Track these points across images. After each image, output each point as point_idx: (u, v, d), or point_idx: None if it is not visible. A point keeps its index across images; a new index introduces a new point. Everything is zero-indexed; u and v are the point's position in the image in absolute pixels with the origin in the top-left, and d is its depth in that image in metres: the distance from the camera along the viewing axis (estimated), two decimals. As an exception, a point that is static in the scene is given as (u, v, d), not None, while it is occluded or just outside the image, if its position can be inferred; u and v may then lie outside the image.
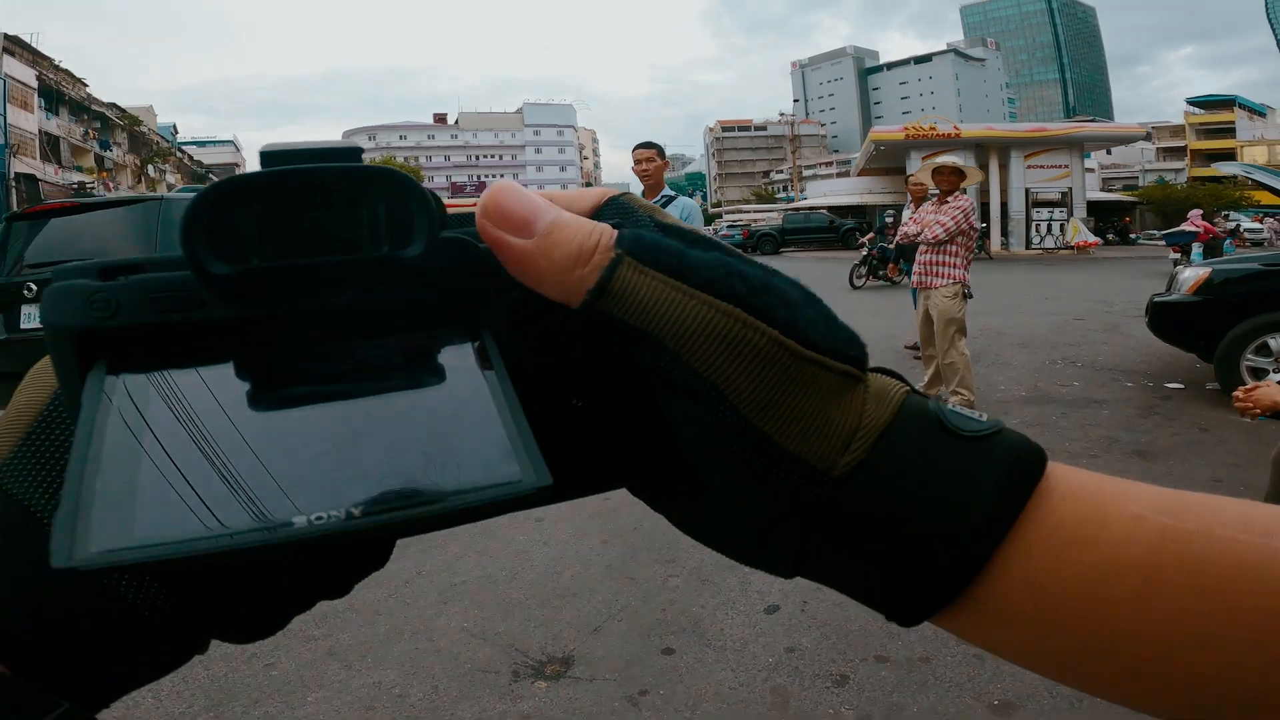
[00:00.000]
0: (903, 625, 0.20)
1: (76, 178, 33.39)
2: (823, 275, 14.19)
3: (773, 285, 0.20)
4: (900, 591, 0.20)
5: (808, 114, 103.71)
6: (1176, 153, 62.72)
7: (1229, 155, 57.18)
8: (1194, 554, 0.18)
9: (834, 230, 28.45)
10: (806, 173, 61.28)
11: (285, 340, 0.19)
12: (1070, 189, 22.38)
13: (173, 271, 0.18)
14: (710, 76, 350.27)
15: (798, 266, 18.12)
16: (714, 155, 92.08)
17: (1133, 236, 30.18)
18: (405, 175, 0.18)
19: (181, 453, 0.15)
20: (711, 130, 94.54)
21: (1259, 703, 0.17)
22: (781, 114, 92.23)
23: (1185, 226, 13.28)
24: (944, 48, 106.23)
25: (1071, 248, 21.35)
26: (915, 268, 4.62)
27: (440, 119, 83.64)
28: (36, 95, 31.09)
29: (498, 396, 0.17)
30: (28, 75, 30.49)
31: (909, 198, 5.73)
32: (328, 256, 0.18)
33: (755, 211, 40.06)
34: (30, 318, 4.11)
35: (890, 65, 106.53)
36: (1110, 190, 41.20)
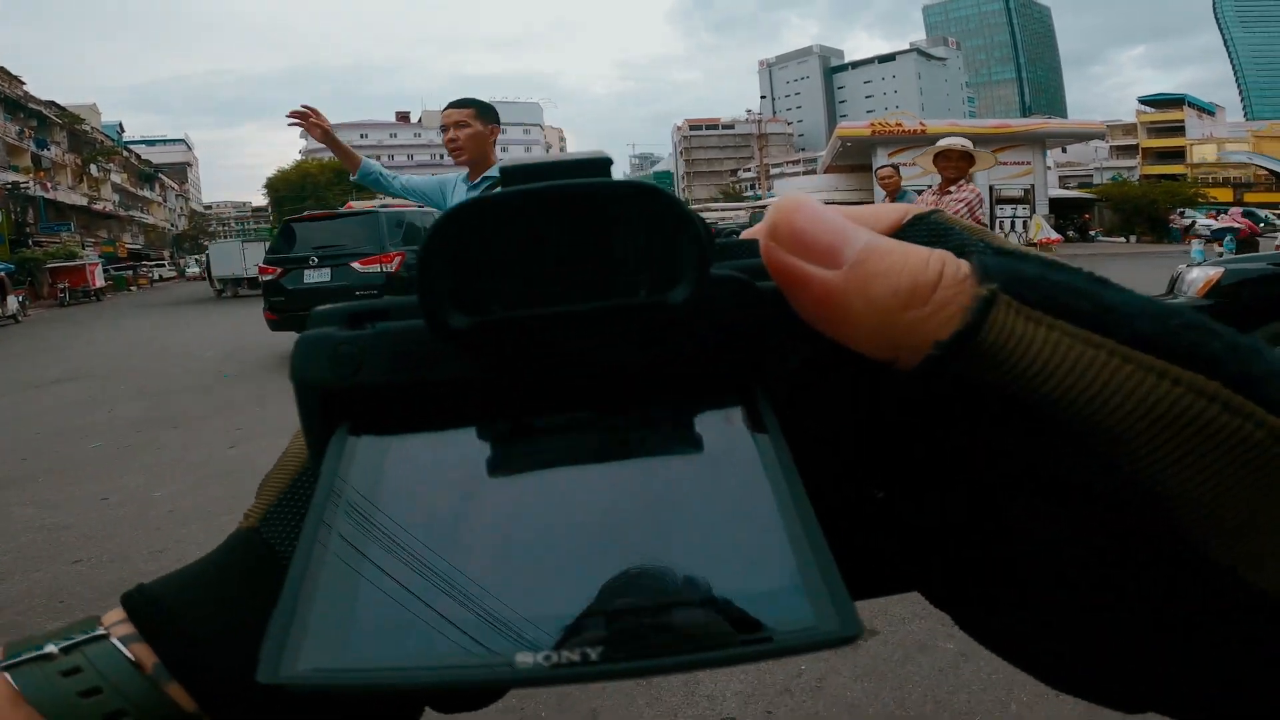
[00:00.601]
0: None
1: (11, 177, 31.68)
2: None
3: (1263, 349, 0.13)
4: None
5: (775, 112, 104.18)
6: (1129, 150, 64.35)
7: (1179, 153, 58.86)
8: None
9: (801, 229, 28.31)
10: (774, 171, 61.39)
11: (525, 406, 0.16)
12: (1033, 185, 22.48)
13: (416, 320, 0.16)
14: (679, 75, 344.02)
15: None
16: (682, 154, 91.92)
17: (1092, 234, 30.65)
18: (668, 194, 0.15)
19: (412, 557, 0.13)
20: (679, 129, 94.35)
21: None
22: (749, 111, 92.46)
23: (1228, 223, 13.41)
24: (907, 47, 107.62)
25: (1034, 245, 21.43)
26: None
27: (403, 117, 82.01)
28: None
29: (782, 495, 0.13)
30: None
31: (882, 193, 5.30)
32: (578, 304, 0.15)
33: (722, 210, 39.84)
34: (309, 277, 7.18)
35: (855, 64, 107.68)
36: (1066, 188, 41.92)
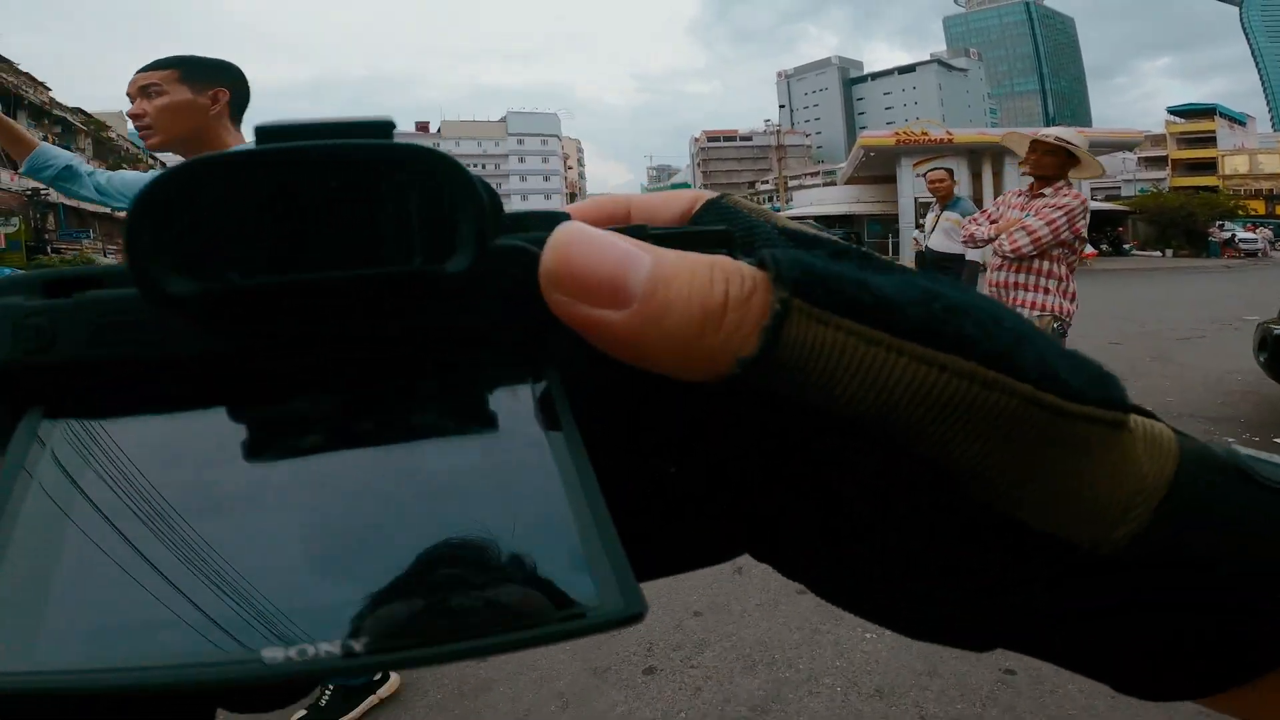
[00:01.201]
0: (1147, 699, 0.17)
1: (32, 184, 31.88)
2: None
3: (1003, 318, 0.14)
4: (1170, 671, 0.16)
5: (793, 124, 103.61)
6: (1158, 162, 62.93)
7: (1210, 165, 57.37)
8: None
9: (823, 241, 27.62)
10: (792, 183, 60.72)
11: (274, 387, 0.14)
12: (1068, 197, 21.70)
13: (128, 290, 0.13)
14: (697, 87, 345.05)
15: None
16: (699, 165, 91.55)
17: (1126, 247, 29.65)
18: (448, 157, 0.14)
19: (121, 546, 0.11)
20: (697, 140, 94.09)
21: None
22: (767, 122, 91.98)
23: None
24: (928, 58, 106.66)
25: (1071, 258, 20.57)
26: (990, 290, 3.14)
27: (422, 127, 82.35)
28: (-10, 99, 29.58)
29: (569, 474, 0.13)
30: (-20, 78, 28.99)
31: (909, 204, 4.68)
32: (334, 271, 0.13)
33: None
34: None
35: (875, 75, 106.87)
36: (1094, 200, 40.88)
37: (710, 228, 0.17)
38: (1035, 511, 0.14)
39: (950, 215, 4.40)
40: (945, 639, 0.18)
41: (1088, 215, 2.94)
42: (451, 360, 0.15)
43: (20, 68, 33.55)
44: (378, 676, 1.89)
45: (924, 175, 4.74)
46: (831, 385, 0.13)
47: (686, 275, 0.13)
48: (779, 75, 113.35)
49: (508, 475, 0.13)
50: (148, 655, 0.10)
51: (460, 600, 0.11)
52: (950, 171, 4.62)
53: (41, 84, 36.99)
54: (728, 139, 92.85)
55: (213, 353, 0.13)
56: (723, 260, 0.14)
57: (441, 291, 0.14)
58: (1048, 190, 2.93)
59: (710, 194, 0.19)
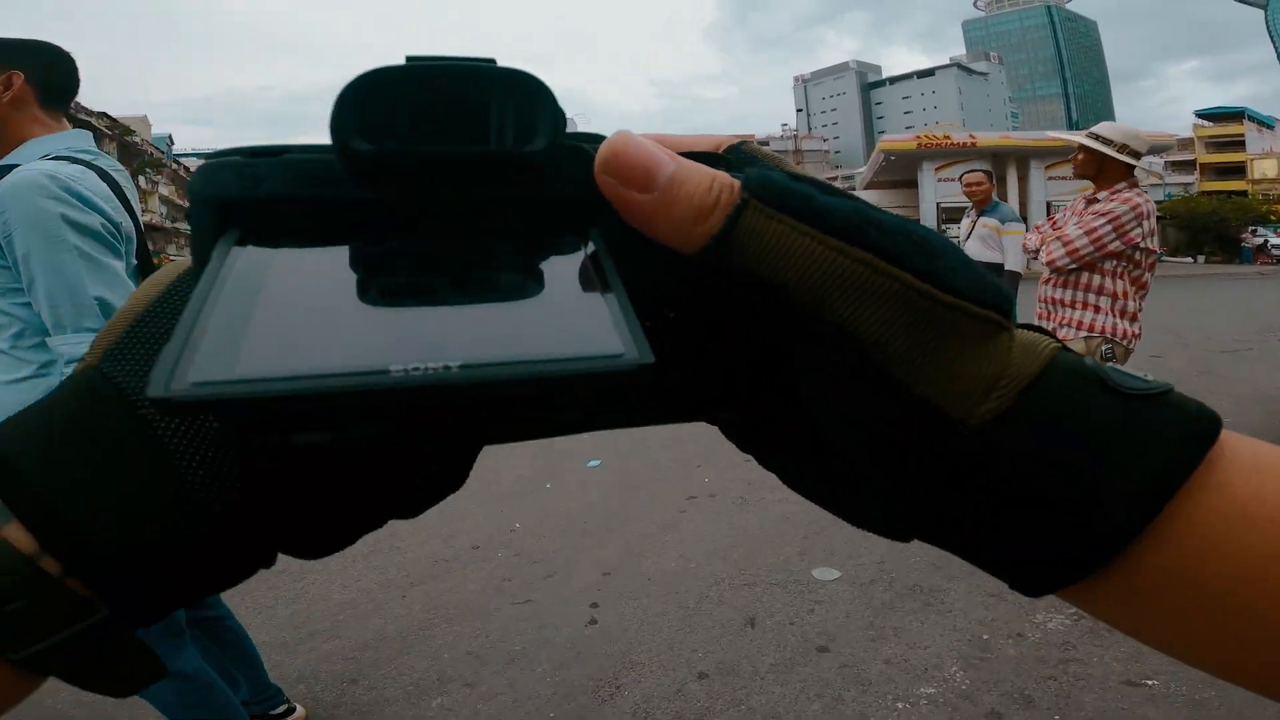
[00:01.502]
0: (1029, 595, 0.19)
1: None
2: None
3: (909, 230, 0.19)
4: (1035, 559, 0.18)
5: (810, 129, 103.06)
6: (1185, 166, 61.65)
7: (1239, 169, 56.06)
8: None
9: (842, 246, 27.09)
10: (810, 186, 59.98)
11: (410, 221, 0.19)
12: (1096, 202, 21.09)
13: (316, 155, 0.19)
14: (714, 92, 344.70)
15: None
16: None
17: (1157, 253, 28.76)
18: (536, 78, 0.19)
19: (293, 309, 0.16)
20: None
21: None
22: (784, 126, 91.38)
23: None
24: (947, 61, 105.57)
25: (1098, 265, 19.95)
26: (1039, 308, 2.88)
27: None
28: (15, 104, 29.91)
29: (605, 283, 0.18)
30: None
31: (932, 212, 4.31)
32: (457, 146, 0.19)
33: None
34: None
35: (893, 79, 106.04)
36: (1122, 204, 39.75)
37: (720, 156, 0.22)
38: (917, 375, 0.18)
39: (988, 221, 4.07)
40: (874, 525, 0.21)
41: (1147, 222, 2.59)
42: (528, 219, 0.20)
43: None
44: (283, 709, 1.89)
45: (959, 178, 4.37)
46: (772, 260, 0.18)
47: (696, 178, 0.18)
48: (796, 80, 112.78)
49: (563, 283, 0.18)
50: (310, 369, 0.14)
51: (529, 347, 0.16)
52: (989, 174, 4.26)
53: (66, 89, 37.46)
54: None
55: (370, 199, 0.19)
56: (721, 174, 0.19)
57: (523, 168, 0.19)
58: (1102, 194, 2.63)
59: (733, 139, 0.23)
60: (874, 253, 0.18)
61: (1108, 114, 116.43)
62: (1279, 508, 0.17)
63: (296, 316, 0.16)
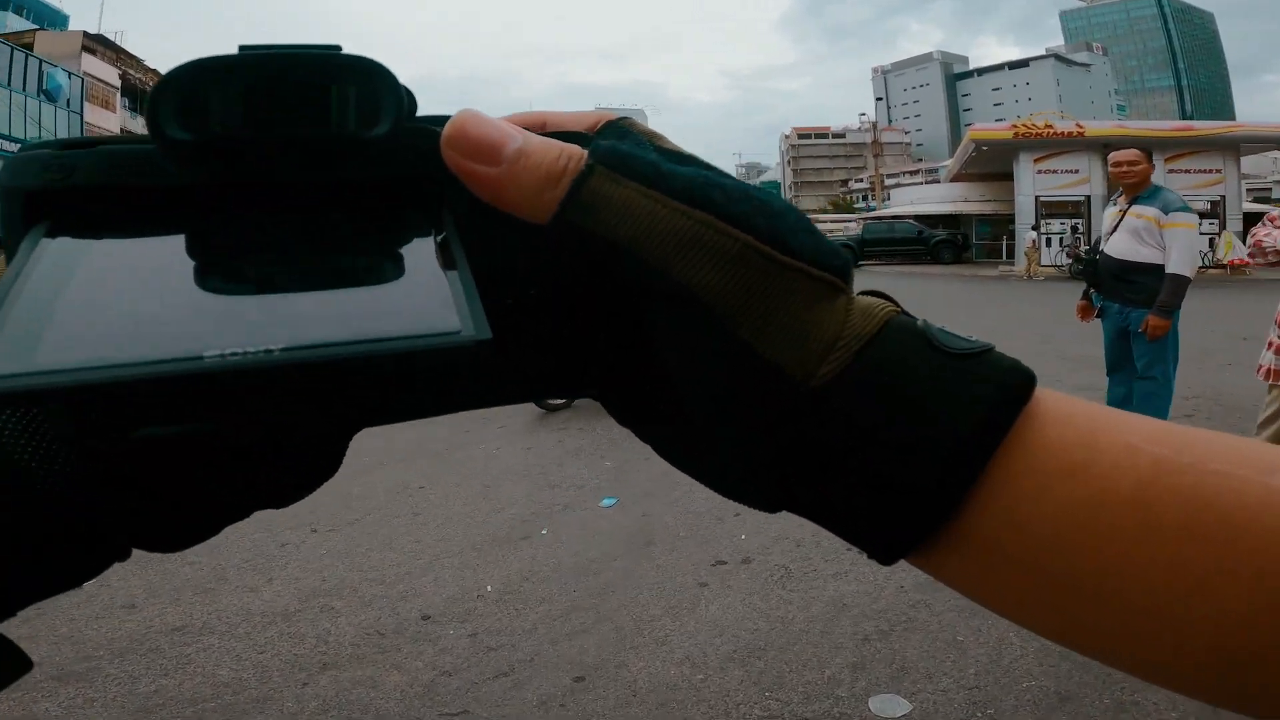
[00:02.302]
0: (883, 563, 0.20)
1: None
2: (924, 293, 11.76)
3: (752, 194, 0.19)
4: (880, 522, 0.19)
5: (890, 121, 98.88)
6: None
7: (1386, 168, 49.96)
8: (1188, 488, 0.17)
9: (922, 241, 25.39)
10: (889, 181, 57.47)
11: (239, 208, 0.19)
12: (1223, 198, 18.80)
13: (137, 145, 0.18)
14: (787, 84, 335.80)
15: (883, 282, 15.56)
16: (789, 163, 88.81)
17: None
18: (377, 62, 0.19)
19: (104, 298, 0.15)
20: (787, 137, 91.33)
21: (1249, 655, 0.16)
22: (862, 116, 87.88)
23: None
24: (1043, 53, 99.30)
25: (1224, 266, 17.75)
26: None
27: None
28: (119, 94, 31.72)
29: (449, 261, 0.18)
30: (110, 74, 31.08)
31: (1119, 187, 3.27)
32: (293, 130, 0.18)
33: (832, 221, 37.14)
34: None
35: (982, 70, 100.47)
36: (1244, 201, 36.01)
37: (575, 132, 0.22)
38: (761, 337, 0.18)
39: (1144, 210, 3.08)
40: (742, 496, 0.21)
41: None
42: (372, 200, 0.20)
43: (146, 64, 35.88)
44: None
45: (1108, 157, 3.36)
46: (618, 223, 0.18)
47: (542, 150, 0.19)
48: (874, 71, 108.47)
49: (403, 263, 0.18)
50: (119, 360, 0.13)
51: (359, 326, 0.15)
52: (1148, 154, 3.26)
53: (166, 81, 39.37)
54: (819, 136, 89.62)
55: (194, 186, 0.18)
56: (569, 146, 0.19)
57: (367, 151, 0.19)
58: None
59: (611, 115, 0.24)
60: (715, 214, 0.18)
61: (1226, 108, 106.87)
62: (1088, 456, 0.17)
63: (107, 306, 0.15)
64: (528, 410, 4.99)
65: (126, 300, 0.16)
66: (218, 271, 0.17)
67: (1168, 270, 3.00)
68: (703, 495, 3.37)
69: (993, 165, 23.41)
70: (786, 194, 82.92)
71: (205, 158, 0.18)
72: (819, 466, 0.19)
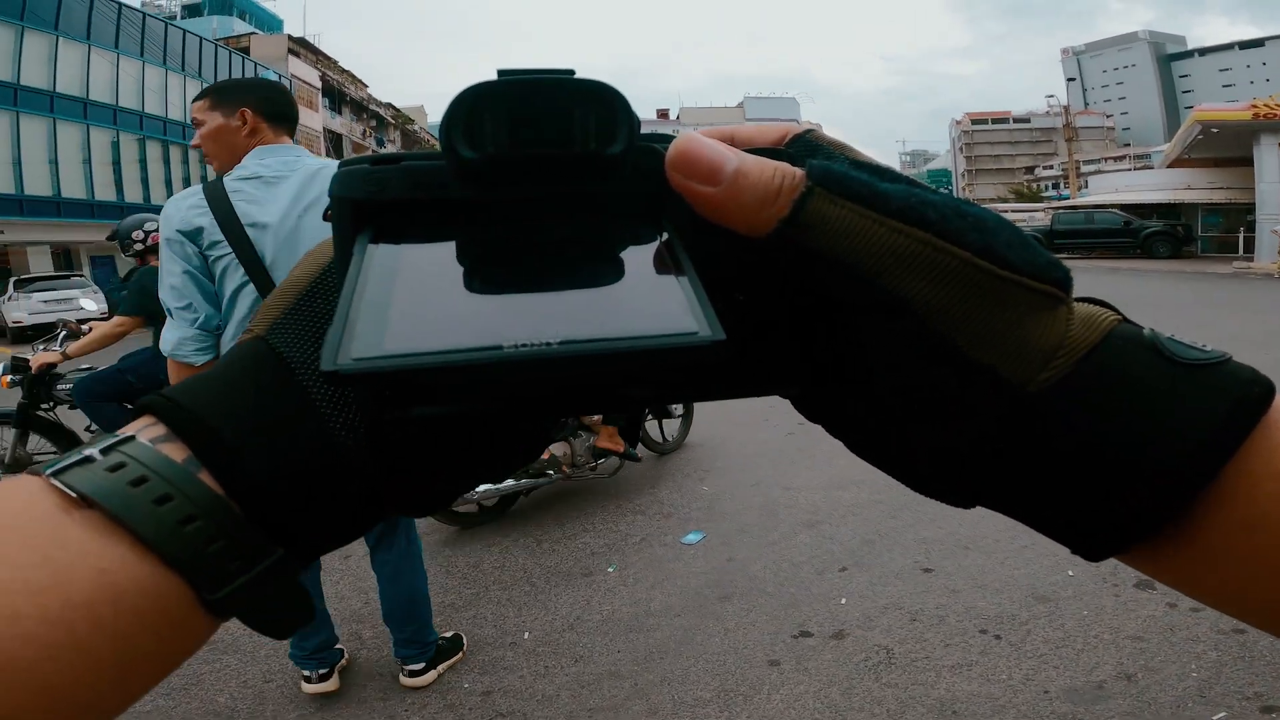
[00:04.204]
0: (1089, 560, 0.20)
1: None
2: (1137, 296, 9.15)
3: (965, 212, 0.20)
4: (1095, 522, 0.19)
5: (1086, 104, 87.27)
6: None
7: None
8: None
9: (1130, 233, 21.81)
10: (1087, 167, 50.64)
11: (508, 217, 0.22)
12: None
13: (428, 162, 0.22)
14: (957, 67, 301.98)
15: (1083, 280, 13.39)
16: (962, 150, 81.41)
17: None
18: (613, 88, 0.21)
19: (421, 296, 0.19)
20: (959, 123, 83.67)
21: None
22: (1050, 98, 78.35)
23: None
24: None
25: None
26: None
27: (663, 114, 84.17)
28: (320, 95, 35.38)
29: (679, 267, 0.20)
30: (312, 76, 34.61)
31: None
32: (549, 149, 0.21)
33: (1014, 211, 33.28)
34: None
35: (1204, 50, 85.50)
36: None
37: (781, 149, 0.24)
38: (976, 343, 0.19)
39: None
40: (937, 492, 0.22)
41: None
42: (609, 211, 0.22)
43: (343, 66, 39.70)
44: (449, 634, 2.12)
45: None
46: (837, 241, 0.19)
47: (758, 170, 0.20)
48: (1064, 52, 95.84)
49: (643, 269, 0.20)
50: (442, 350, 0.16)
51: (616, 326, 0.18)
52: None
53: (360, 81, 43.35)
54: (996, 121, 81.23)
55: (476, 199, 0.21)
56: (783, 164, 0.21)
57: (605, 166, 0.21)
58: None
59: (799, 128, 0.25)
60: (932, 232, 0.19)
61: None
62: None
63: (425, 303, 0.18)
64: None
65: (437, 298, 0.19)
66: (499, 274, 0.20)
67: None
68: (806, 541, 2.76)
69: (1225, 149, 19.54)
70: (958, 182, 76.24)
71: (482, 175, 0.21)
72: (1028, 469, 0.20)
